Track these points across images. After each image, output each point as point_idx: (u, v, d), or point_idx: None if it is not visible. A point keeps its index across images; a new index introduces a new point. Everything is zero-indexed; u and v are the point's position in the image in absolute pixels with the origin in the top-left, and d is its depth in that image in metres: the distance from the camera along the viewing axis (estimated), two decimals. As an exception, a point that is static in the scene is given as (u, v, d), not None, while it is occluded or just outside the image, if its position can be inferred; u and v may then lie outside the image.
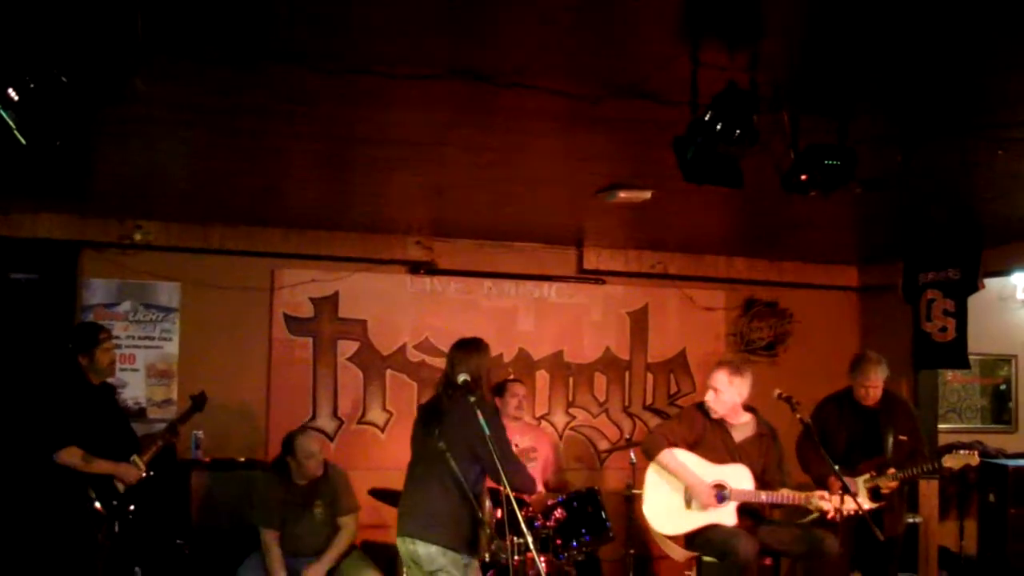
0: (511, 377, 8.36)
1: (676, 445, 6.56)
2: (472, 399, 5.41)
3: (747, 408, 6.66)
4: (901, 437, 7.01)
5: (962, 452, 6.84)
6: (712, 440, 6.55)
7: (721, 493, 6.40)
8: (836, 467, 6.37)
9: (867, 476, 6.74)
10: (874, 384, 7.05)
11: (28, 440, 6.33)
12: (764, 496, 6.39)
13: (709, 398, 6.59)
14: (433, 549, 5.43)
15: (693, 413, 6.77)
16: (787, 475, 6.60)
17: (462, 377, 5.52)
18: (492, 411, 5.66)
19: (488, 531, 5.55)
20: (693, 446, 6.55)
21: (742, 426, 6.62)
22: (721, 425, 6.58)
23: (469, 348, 5.73)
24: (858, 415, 7.08)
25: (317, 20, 3.70)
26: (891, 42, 3.81)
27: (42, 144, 3.84)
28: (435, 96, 4.44)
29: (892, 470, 6.79)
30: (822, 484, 6.57)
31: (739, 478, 6.43)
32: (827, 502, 6.21)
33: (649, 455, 6.66)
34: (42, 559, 6.25)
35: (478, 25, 3.76)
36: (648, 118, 4.68)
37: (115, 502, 6.31)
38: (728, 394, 6.54)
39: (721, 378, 6.57)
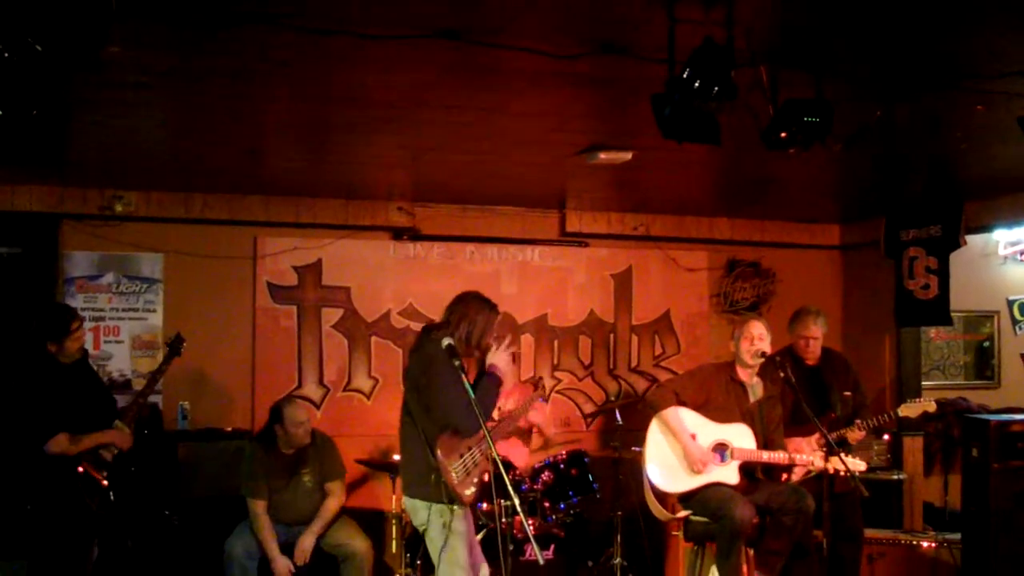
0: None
1: (683, 403, 6.53)
2: (437, 344, 5.09)
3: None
4: (846, 393, 7.03)
5: (918, 400, 6.88)
6: (725, 400, 6.51)
7: (723, 452, 6.40)
8: (817, 419, 6.39)
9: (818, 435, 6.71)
10: (814, 335, 7.08)
11: (15, 435, 6.26)
12: (766, 456, 6.40)
13: (756, 346, 6.45)
14: (411, 503, 5.31)
15: (711, 373, 6.73)
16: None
17: (438, 321, 5.39)
18: (445, 356, 5.06)
19: (441, 478, 5.12)
20: (701, 406, 6.53)
21: (755, 387, 6.61)
22: (741, 386, 6.55)
23: (461, 297, 5.46)
24: (801, 374, 6.94)
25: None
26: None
27: (19, 114, 3.82)
28: (411, 56, 4.41)
29: (859, 420, 6.82)
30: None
31: (741, 437, 6.43)
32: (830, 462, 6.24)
33: (655, 408, 6.60)
34: (36, 532, 6.24)
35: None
36: (627, 76, 4.66)
37: (105, 472, 6.29)
38: (766, 341, 6.49)
39: (759, 328, 6.51)
